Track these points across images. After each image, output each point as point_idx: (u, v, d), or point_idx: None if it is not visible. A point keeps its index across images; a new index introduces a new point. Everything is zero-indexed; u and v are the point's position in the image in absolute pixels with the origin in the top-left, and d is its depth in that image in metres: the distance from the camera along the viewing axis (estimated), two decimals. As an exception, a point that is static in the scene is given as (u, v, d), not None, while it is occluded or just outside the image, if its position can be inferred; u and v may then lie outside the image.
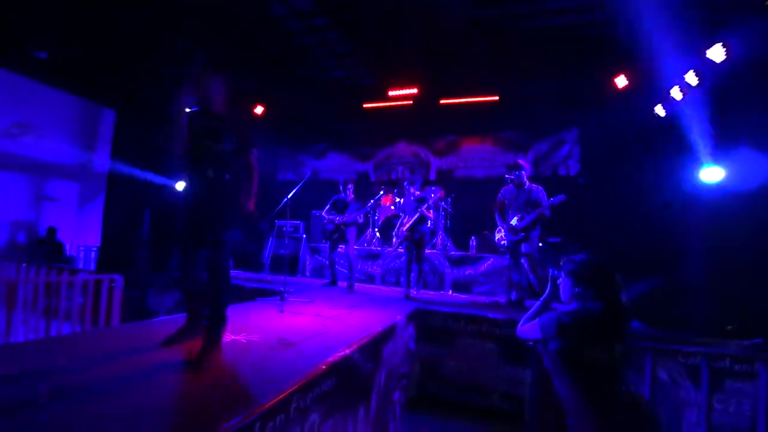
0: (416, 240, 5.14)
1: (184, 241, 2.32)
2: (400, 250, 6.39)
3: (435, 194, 6.16)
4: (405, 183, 5.57)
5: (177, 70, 6.25)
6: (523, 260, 4.47)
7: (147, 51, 6.00)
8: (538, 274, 4.37)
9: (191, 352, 2.10)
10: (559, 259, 1.93)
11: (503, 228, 4.67)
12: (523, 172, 4.54)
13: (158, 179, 6.30)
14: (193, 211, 2.30)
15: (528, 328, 1.94)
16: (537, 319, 1.87)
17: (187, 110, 2.39)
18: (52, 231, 8.74)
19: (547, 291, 2.04)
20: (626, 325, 1.78)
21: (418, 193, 5.36)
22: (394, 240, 6.96)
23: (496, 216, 4.74)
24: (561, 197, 4.20)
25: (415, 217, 5.13)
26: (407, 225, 5.19)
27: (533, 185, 4.51)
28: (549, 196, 4.37)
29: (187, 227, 2.33)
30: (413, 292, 4.99)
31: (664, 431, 3.07)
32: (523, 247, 4.43)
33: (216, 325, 2.17)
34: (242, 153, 2.38)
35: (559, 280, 1.93)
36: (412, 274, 5.23)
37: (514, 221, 4.48)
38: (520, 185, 4.54)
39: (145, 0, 5.17)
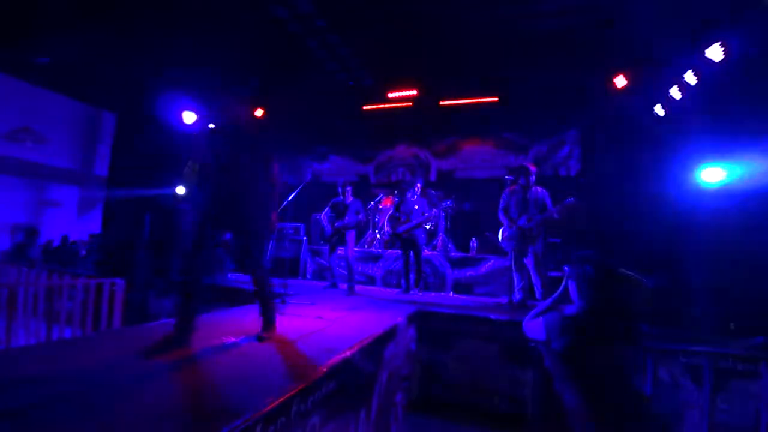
0: (410, 240, 5.18)
1: (197, 243, 2.36)
2: (389, 249, 6.41)
3: (447, 203, 6.35)
4: (417, 183, 5.61)
5: (178, 72, 6.30)
6: (528, 261, 4.46)
7: (148, 53, 6.02)
8: (541, 274, 4.36)
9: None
10: (558, 259, 1.93)
11: (508, 228, 4.64)
12: (533, 177, 4.55)
13: (158, 182, 6.32)
14: (216, 216, 2.38)
15: (533, 328, 1.93)
16: (541, 319, 1.86)
17: (211, 126, 2.53)
18: (92, 237, 9.42)
19: (559, 290, 2.01)
20: (630, 326, 1.76)
21: (416, 197, 5.40)
22: (381, 234, 6.97)
23: (501, 216, 4.71)
24: (570, 200, 4.27)
25: (427, 217, 5.23)
26: (406, 226, 5.23)
27: (537, 188, 4.54)
28: (551, 197, 4.40)
29: (207, 230, 2.38)
30: (413, 293, 4.99)
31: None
32: (530, 248, 4.43)
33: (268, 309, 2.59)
34: (265, 166, 2.49)
35: (567, 281, 1.93)
36: (411, 275, 5.24)
37: (523, 222, 4.47)
38: (526, 188, 4.54)
39: (146, 3, 5.19)
